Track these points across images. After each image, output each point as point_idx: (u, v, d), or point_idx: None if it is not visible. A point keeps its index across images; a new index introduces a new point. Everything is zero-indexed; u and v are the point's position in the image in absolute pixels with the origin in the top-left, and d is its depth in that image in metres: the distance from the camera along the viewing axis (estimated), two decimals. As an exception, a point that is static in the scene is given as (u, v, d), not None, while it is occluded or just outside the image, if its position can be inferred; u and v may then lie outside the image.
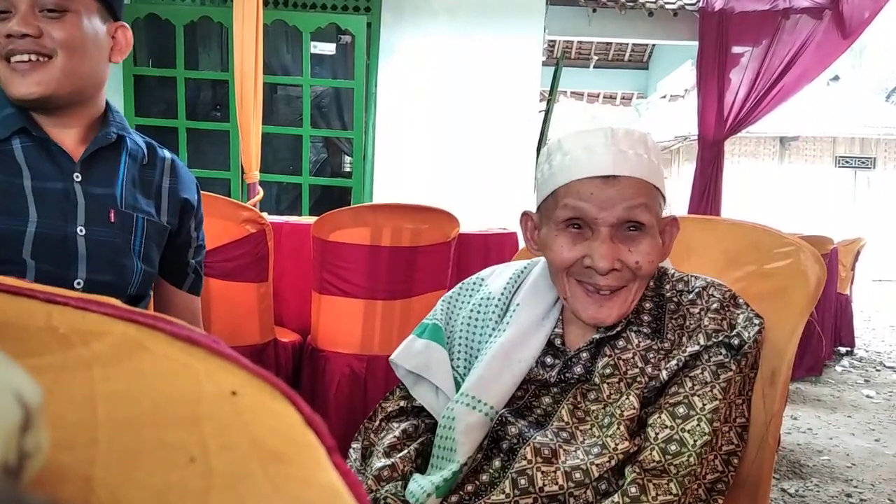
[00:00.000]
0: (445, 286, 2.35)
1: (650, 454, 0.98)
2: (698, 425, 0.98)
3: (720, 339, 1.03)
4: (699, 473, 0.98)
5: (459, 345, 1.22)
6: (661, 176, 1.08)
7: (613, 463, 1.00)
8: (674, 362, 1.03)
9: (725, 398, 1.01)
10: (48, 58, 1.26)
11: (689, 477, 0.97)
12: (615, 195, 1.02)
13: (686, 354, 1.03)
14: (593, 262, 1.04)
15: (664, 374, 1.03)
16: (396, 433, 1.19)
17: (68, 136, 1.32)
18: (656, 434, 0.99)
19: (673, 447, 0.97)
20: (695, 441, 0.97)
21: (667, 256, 1.13)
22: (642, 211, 1.02)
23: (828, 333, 5.22)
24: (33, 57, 1.25)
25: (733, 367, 1.02)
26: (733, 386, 1.03)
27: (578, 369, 1.10)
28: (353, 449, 1.22)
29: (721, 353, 1.03)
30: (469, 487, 1.07)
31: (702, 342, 1.04)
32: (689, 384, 1.01)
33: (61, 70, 1.28)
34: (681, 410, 1.00)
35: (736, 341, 1.03)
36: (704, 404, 1.00)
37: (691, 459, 0.97)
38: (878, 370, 5.56)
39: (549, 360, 1.13)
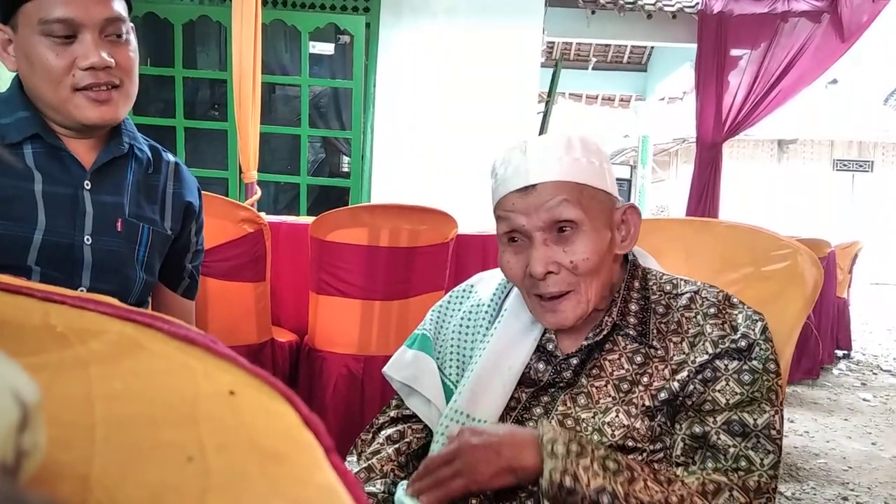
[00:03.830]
0: (443, 287, 2.35)
1: (722, 476, 0.98)
2: (758, 442, 0.99)
3: (727, 345, 1.03)
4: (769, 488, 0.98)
5: (451, 353, 1.22)
6: (596, 171, 1.07)
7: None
8: (684, 374, 1.03)
9: (775, 409, 1.01)
10: (116, 86, 1.27)
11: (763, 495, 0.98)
12: (534, 202, 1.04)
13: (696, 365, 1.03)
14: (530, 269, 1.06)
15: (675, 385, 1.03)
16: (380, 440, 1.20)
17: (81, 145, 1.31)
18: (726, 449, 0.99)
19: (743, 463, 0.98)
20: (760, 459, 0.98)
21: (632, 245, 1.13)
22: (565, 207, 1.03)
23: (826, 337, 5.22)
24: (108, 86, 1.26)
25: (766, 377, 1.02)
26: (777, 396, 1.03)
27: (568, 374, 1.10)
28: (349, 462, 1.22)
29: (735, 360, 1.03)
30: (473, 501, 1.07)
31: (709, 350, 1.04)
32: (723, 398, 1.01)
33: (127, 96, 1.30)
34: (736, 428, 1.00)
35: (743, 343, 1.03)
36: (756, 420, 1.00)
37: (762, 477, 0.97)
38: (874, 373, 5.57)
39: (541, 365, 1.13)
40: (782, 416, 1.03)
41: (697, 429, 1.01)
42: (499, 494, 1.06)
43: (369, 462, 1.15)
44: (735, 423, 0.99)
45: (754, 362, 1.02)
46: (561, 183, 1.04)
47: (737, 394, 1.01)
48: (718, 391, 1.02)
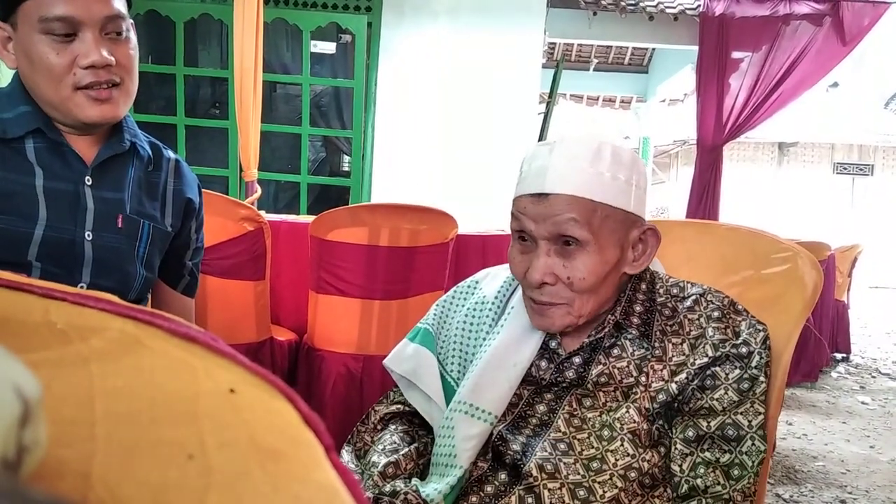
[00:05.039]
0: (443, 287, 2.34)
1: (714, 484, 0.98)
2: (753, 444, 0.99)
3: (728, 349, 1.04)
4: (747, 495, 0.99)
5: (454, 349, 1.21)
6: (619, 188, 1.04)
7: (616, 479, 1.01)
8: (683, 375, 1.03)
9: (765, 411, 1.02)
10: (116, 84, 1.26)
11: (748, 499, 0.98)
12: (544, 211, 1.03)
13: (695, 367, 1.03)
14: (528, 275, 1.06)
15: (674, 387, 1.03)
16: (395, 437, 1.19)
17: (82, 141, 1.31)
18: (717, 458, 0.99)
19: (735, 472, 0.98)
20: (753, 462, 0.98)
21: (644, 266, 1.12)
22: (572, 226, 1.02)
23: (825, 340, 5.22)
24: (109, 84, 1.25)
25: (764, 380, 1.03)
26: (768, 397, 1.04)
27: (570, 374, 1.10)
28: (346, 451, 1.21)
29: (736, 367, 1.03)
30: (473, 499, 1.06)
31: (710, 353, 1.04)
32: (720, 406, 1.01)
33: (127, 94, 1.29)
34: (730, 432, 1.00)
35: (744, 349, 1.04)
36: (750, 420, 1.00)
37: (751, 480, 0.98)
38: (873, 377, 5.57)
39: (543, 363, 1.13)
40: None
41: (691, 432, 1.02)
42: (499, 492, 1.05)
43: (396, 457, 1.13)
44: (729, 427, 1.00)
45: (753, 370, 1.03)
46: (575, 199, 1.02)
47: (735, 402, 1.01)
48: (716, 399, 1.02)
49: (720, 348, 1.04)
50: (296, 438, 0.30)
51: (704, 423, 1.01)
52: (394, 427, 1.22)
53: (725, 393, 1.02)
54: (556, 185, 1.03)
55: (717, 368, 1.03)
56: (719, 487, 0.97)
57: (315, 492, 0.28)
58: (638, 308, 1.11)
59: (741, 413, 1.00)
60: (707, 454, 1.00)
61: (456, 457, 1.08)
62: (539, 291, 1.07)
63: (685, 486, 1.00)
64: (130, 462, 0.27)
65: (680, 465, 1.01)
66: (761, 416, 1.01)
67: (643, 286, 1.13)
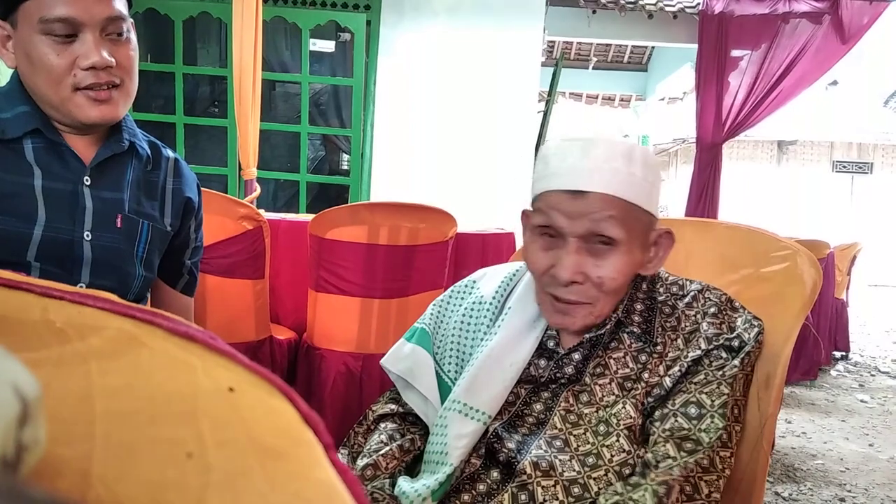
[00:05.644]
0: (442, 286, 2.34)
1: (664, 458, 0.98)
2: (712, 422, 0.99)
3: (720, 342, 1.05)
4: (708, 468, 0.99)
5: (451, 349, 1.21)
6: (647, 190, 1.04)
7: (611, 476, 1.01)
8: (676, 368, 1.04)
9: (732, 394, 1.02)
10: (116, 85, 1.26)
11: (701, 474, 0.98)
12: (581, 208, 1.02)
13: (689, 360, 1.04)
14: (556, 271, 1.04)
15: (668, 381, 1.04)
16: (383, 437, 1.19)
17: (81, 141, 1.30)
18: (671, 431, 1.00)
19: (689, 445, 0.98)
20: (710, 438, 0.98)
21: (657, 268, 1.12)
22: (610, 224, 1.01)
23: (824, 338, 5.22)
24: (109, 86, 1.25)
25: (737, 364, 1.03)
26: (737, 382, 1.04)
27: (569, 370, 1.10)
28: (342, 454, 1.21)
29: (721, 357, 1.04)
30: (465, 497, 1.06)
31: (703, 346, 1.04)
32: (694, 388, 1.02)
33: (127, 95, 1.29)
34: (692, 411, 1.00)
35: (736, 343, 1.05)
36: (713, 401, 1.01)
37: (707, 454, 0.98)
38: (872, 375, 5.57)
39: (542, 362, 1.13)
40: (744, 403, 1.06)
41: (658, 412, 1.03)
42: (491, 490, 1.06)
43: (374, 458, 1.14)
44: (692, 406, 1.01)
45: (736, 361, 1.04)
46: (612, 198, 1.01)
47: (703, 382, 1.02)
48: (694, 383, 1.03)
49: (713, 341, 1.05)
50: (295, 437, 0.30)
51: (670, 403, 1.02)
52: (384, 426, 1.22)
53: (705, 378, 1.03)
54: (596, 183, 1.01)
55: (704, 357, 1.04)
56: (670, 460, 0.97)
57: (314, 490, 0.28)
58: (639, 307, 1.11)
59: (706, 392, 1.01)
60: (666, 430, 1.00)
61: (447, 454, 1.08)
62: (566, 290, 1.05)
63: (640, 463, 1.00)
64: (129, 460, 0.27)
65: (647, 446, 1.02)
66: (724, 397, 1.01)
67: (644, 285, 1.13)
